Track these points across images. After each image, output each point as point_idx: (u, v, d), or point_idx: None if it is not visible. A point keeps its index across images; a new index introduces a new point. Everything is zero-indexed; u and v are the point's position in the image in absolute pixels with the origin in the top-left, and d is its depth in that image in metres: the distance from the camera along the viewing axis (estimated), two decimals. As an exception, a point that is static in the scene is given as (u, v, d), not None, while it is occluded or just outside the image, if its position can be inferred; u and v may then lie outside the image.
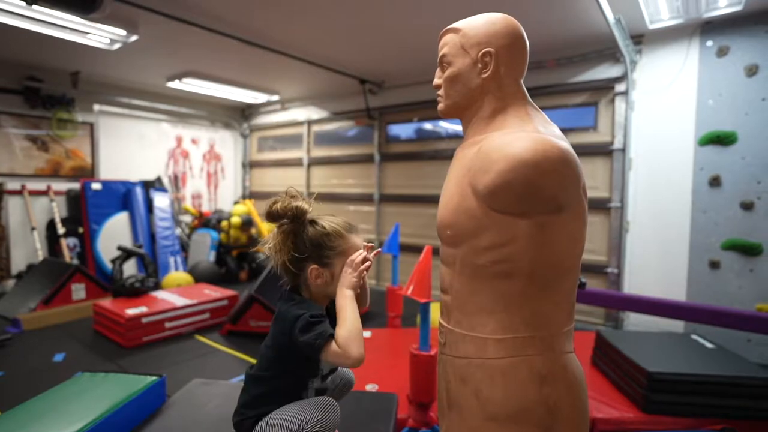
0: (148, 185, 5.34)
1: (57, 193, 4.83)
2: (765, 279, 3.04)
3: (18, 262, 4.59)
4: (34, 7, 2.89)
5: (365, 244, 1.14)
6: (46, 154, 4.79)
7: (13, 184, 4.56)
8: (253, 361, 2.97)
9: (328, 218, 1.12)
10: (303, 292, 1.13)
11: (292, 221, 1.08)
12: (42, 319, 3.59)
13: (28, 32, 3.41)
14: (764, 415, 1.82)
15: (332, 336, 1.00)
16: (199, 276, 4.81)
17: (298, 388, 1.13)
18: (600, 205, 3.71)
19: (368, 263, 1.09)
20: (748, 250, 3.08)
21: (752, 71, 3.04)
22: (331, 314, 1.11)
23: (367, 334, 2.87)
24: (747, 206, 3.08)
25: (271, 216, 1.09)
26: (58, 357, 2.98)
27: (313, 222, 1.10)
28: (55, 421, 1.32)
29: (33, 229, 4.58)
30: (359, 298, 1.13)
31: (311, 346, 1.00)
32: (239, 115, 6.90)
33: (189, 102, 6.04)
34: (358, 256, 1.08)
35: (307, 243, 1.08)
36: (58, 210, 4.76)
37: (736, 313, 2.35)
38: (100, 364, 2.91)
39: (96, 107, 5.16)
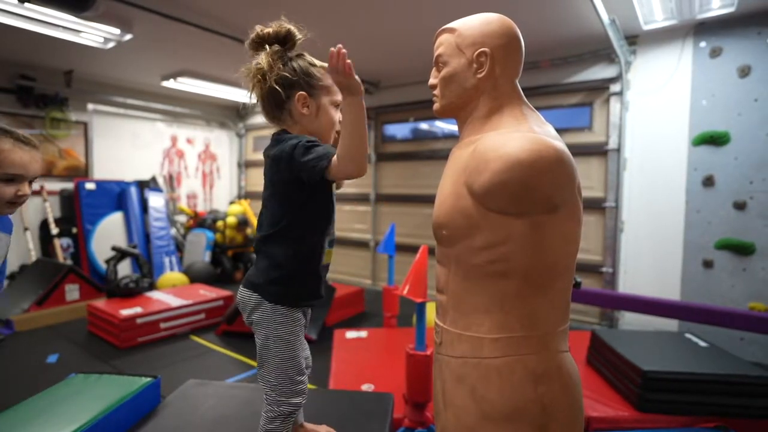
0: (142, 185, 5.31)
1: (50, 193, 4.80)
2: (757, 278, 3.06)
3: (11, 262, 4.54)
4: (27, 5, 2.87)
5: None
6: (39, 153, 4.75)
7: (5, 184, 4.52)
8: (250, 361, 2.97)
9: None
10: (291, 130, 1.10)
11: (283, 44, 1.07)
12: (35, 320, 3.56)
13: (20, 30, 3.38)
14: (757, 413, 1.84)
15: (334, 154, 0.97)
16: (195, 276, 4.79)
17: (312, 244, 1.09)
18: (595, 205, 3.73)
19: (343, 53, 0.90)
20: (740, 250, 3.11)
21: (745, 72, 3.07)
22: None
23: (363, 334, 2.87)
24: (740, 206, 3.11)
25: (261, 39, 1.07)
26: (52, 358, 2.96)
27: (301, 55, 1.10)
28: (49, 423, 1.31)
29: (26, 229, 4.55)
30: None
31: (315, 167, 0.97)
32: (235, 115, 6.88)
33: (184, 101, 6.01)
34: (331, 56, 0.91)
35: (297, 69, 1.06)
36: (52, 210, 4.72)
37: (729, 312, 2.37)
38: (95, 365, 2.90)
39: (90, 106, 5.12)
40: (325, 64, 1.08)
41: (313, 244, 1.09)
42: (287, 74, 1.05)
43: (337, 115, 1.12)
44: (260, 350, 1.10)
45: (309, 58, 1.11)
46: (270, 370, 1.08)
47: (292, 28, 1.08)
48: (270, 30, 1.07)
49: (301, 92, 1.06)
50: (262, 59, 1.07)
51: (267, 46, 1.08)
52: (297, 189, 1.04)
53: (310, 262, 1.09)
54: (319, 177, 0.98)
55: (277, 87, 1.05)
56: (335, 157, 0.96)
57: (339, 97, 1.10)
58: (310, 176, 0.99)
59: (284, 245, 1.07)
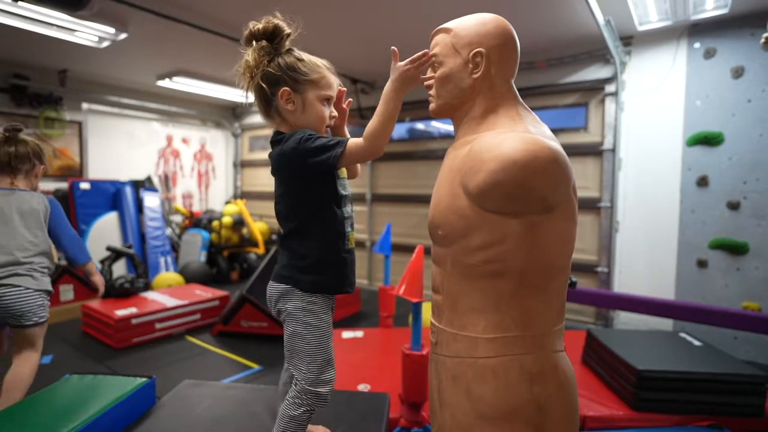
0: (138, 185, 5.28)
1: (44, 192, 4.74)
2: (751, 277, 3.09)
3: (4, 263, 4.51)
4: (21, 3, 2.85)
5: (341, 87, 1.15)
6: (33, 153, 4.71)
7: (-1, 184, 4.49)
8: (246, 361, 2.97)
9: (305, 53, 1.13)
10: (281, 128, 1.12)
11: (271, 41, 1.07)
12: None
13: (14, 29, 3.36)
14: (750, 412, 1.85)
15: (344, 142, 1.01)
16: (190, 276, 4.77)
17: (333, 222, 1.11)
18: (590, 205, 3.75)
19: (430, 56, 0.97)
20: (734, 249, 3.13)
21: (738, 73, 3.09)
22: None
23: (359, 334, 2.87)
24: (733, 206, 3.13)
25: (252, 36, 1.07)
26: (46, 359, 2.94)
27: (289, 50, 1.10)
28: (43, 423, 1.30)
29: (20, 229, 4.51)
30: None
31: (327, 160, 1.00)
32: (230, 115, 6.86)
33: (179, 101, 5.99)
34: (422, 54, 0.96)
35: (282, 65, 1.07)
36: (46, 210, 4.68)
37: (723, 311, 2.38)
38: (89, 366, 2.88)
39: (84, 106, 5.09)
40: (315, 59, 1.11)
41: (334, 230, 1.11)
42: (271, 70, 1.06)
43: (327, 111, 1.13)
44: (290, 338, 1.11)
45: (297, 53, 1.11)
46: (300, 358, 1.09)
47: (280, 23, 1.08)
48: (260, 26, 1.07)
49: (284, 88, 1.07)
50: (249, 55, 1.08)
51: (255, 43, 1.08)
52: (307, 183, 1.06)
53: (334, 249, 1.11)
54: (335, 165, 1.01)
55: (263, 83, 1.06)
56: (355, 139, 1.01)
57: (327, 92, 1.11)
58: (324, 166, 1.01)
59: (307, 238, 1.10)
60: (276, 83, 1.07)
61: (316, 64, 1.11)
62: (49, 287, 1.82)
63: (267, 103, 1.10)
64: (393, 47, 0.98)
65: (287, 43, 1.10)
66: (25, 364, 1.71)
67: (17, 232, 1.74)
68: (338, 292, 1.15)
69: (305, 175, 1.05)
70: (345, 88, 1.19)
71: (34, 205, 1.85)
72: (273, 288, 1.14)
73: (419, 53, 0.97)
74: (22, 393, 1.65)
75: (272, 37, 1.07)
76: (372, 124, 1.00)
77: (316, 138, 1.02)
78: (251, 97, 1.12)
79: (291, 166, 1.05)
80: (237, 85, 1.12)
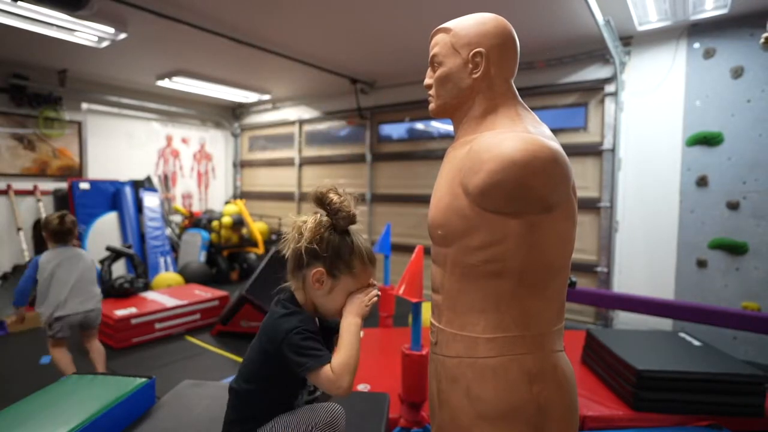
0: (137, 185, 5.28)
1: (44, 192, 4.76)
2: (750, 277, 3.09)
3: (3, 263, 4.51)
4: (20, 3, 2.85)
5: (374, 281, 1.10)
6: (33, 153, 4.71)
7: (-2, 184, 4.49)
8: (244, 361, 2.96)
9: (361, 237, 1.08)
10: (297, 294, 1.08)
11: (334, 219, 1.03)
12: (28, 321, 3.50)
13: (14, 29, 3.36)
14: (750, 411, 1.85)
15: (327, 362, 0.96)
16: (190, 276, 4.77)
17: (289, 398, 1.09)
18: (590, 205, 3.75)
19: (376, 299, 1.06)
20: (734, 249, 3.13)
21: (738, 73, 3.09)
22: (322, 327, 1.09)
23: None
24: (733, 206, 3.13)
25: (322, 202, 1.02)
26: (45, 359, 2.93)
27: (346, 232, 1.05)
28: (42, 424, 1.30)
29: (19, 229, 4.51)
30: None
31: (301, 366, 0.96)
32: (230, 115, 6.86)
33: (179, 101, 5.99)
34: (373, 292, 1.05)
35: (330, 246, 1.02)
36: (45, 210, 4.69)
37: (722, 311, 2.39)
38: (89, 366, 2.88)
39: (84, 106, 5.09)
40: (363, 248, 1.06)
41: (287, 401, 1.08)
42: (317, 248, 1.01)
43: (343, 301, 1.08)
44: None
45: (351, 239, 1.05)
46: None
47: (355, 212, 1.03)
48: (336, 201, 1.01)
49: (320, 268, 1.02)
50: (309, 222, 1.02)
51: (322, 211, 1.03)
52: (275, 363, 1.02)
53: (278, 410, 1.07)
54: (304, 375, 0.97)
55: (304, 253, 1.01)
56: (328, 365, 0.96)
57: (359, 285, 1.06)
58: (294, 368, 0.97)
59: (256, 398, 1.06)
60: (316, 258, 1.02)
61: (363, 256, 1.05)
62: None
63: (299, 268, 1.05)
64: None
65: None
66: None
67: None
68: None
69: (274, 357, 1.01)
70: (377, 284, 1.14)
71: None
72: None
73: (372, 293, 1.04)
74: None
75: (339, 218, 1.02)
76: (342, 357, 0.97)
77: (307, 337, 0.98)
78: (287, 254, 1.06)
79: (272, 344, 1.01)
80: (280, 234, 1.06)
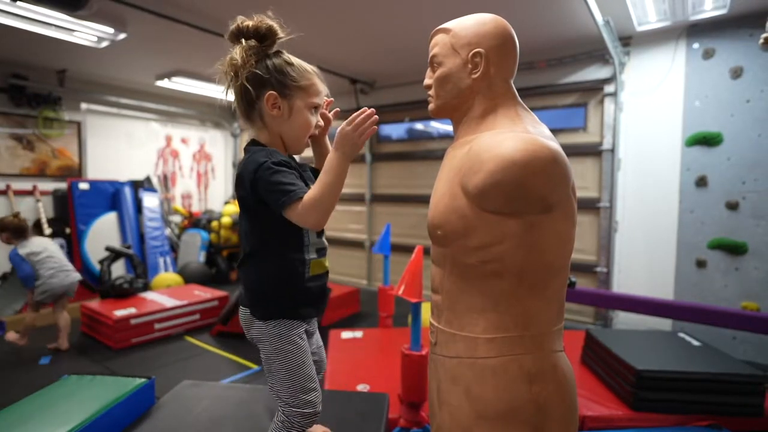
0: (137, 185, 5.28)
1: (43, 193, 4.76)
2: (750, 278, 3.09)
3: (2, 263, 4.50)
4: (19, 3, 2.84)
5: (327, 97, 1.08)
6: (32, 153, 4.71)
7: (-3, 184, 4.48)
8: (245, 362, 2.96)
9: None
10: (260, 136, 1.05)
11: (261, 41, 1.00)
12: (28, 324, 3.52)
13: (13, 29, 3.35)
14: (749, 411, 1.86)
15: (298, 197, 0.92)
16: (189, 277, 4.77)
17: (296, 244, 1.05)
18: (589, 205, 3.75)
19: (374, 119, 0.94)
20: (733, 249, 3.14)
21: (737, 73, 3.09)
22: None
23: (358, 334, 2.87)
24: (732, 206, 3.14)
25: (240, 32, 1.00)
26: (44, 360, 2.93)
27: (279, 52, 1.04)
28: (42, 424, 1.30)
29: (18, 229, 4.51)
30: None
31: (275, 204, 0.94)
32: (229, 115, 6.84)
33: (178, 101, 5.98)
34: (361, 113, 0.93)
35: (270, 67, 1.00)
36: (45, 210, 4.68)
37: (722, 311, 2.39)
38: (88, 366, 2.88)
39: (83, 106, 5.08)
40: (305, 64, 1.06)
41: (291, 260, 1.05)
42: (259, 71, 0.99)
43: (314, 119, 1.07)
44: (264, 363, 1.09)
45: (286, 56, 1.04)
46: (277, 383, 1.06)
47: (275, 24, 1.02)
48: (250, 23, 1.01)
49: (271, 92, 1.01)
50: (236, 53, 1.01)
51: (244, 41, 1.02)
52: (263, 208, 0.99)
53: (291, 279, 1.05)
54: (280, 211, 0.94)
55: (248, 84, 1.00)
56: (302, 199, 0.93)
57: (316, 99, 1.05)
58: (272, 205, 0.95)
59: (261, 265, 1.05)
60: (262, 86, 1.00)
61: (306, 69, 1.05)
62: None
63: (250, 106, 1.03)
64: (336, 108, 0.94)
65: (275, 45, 1.05)
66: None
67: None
68: (300, 318, 1.08)
69: (258, 201, 0.98)
70: (332, 99, 1.13)
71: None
72: (241, 313, 1.11)
73: (359, 112, 0.93)
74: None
75: (264, 37, 1.01)
76: (313, 192, 0.94)
77: (275, 171, 0.95)
78: (231, 97, 1.05)
79: (245, 189, 0.99)
80: (217, 82, 1.05)
